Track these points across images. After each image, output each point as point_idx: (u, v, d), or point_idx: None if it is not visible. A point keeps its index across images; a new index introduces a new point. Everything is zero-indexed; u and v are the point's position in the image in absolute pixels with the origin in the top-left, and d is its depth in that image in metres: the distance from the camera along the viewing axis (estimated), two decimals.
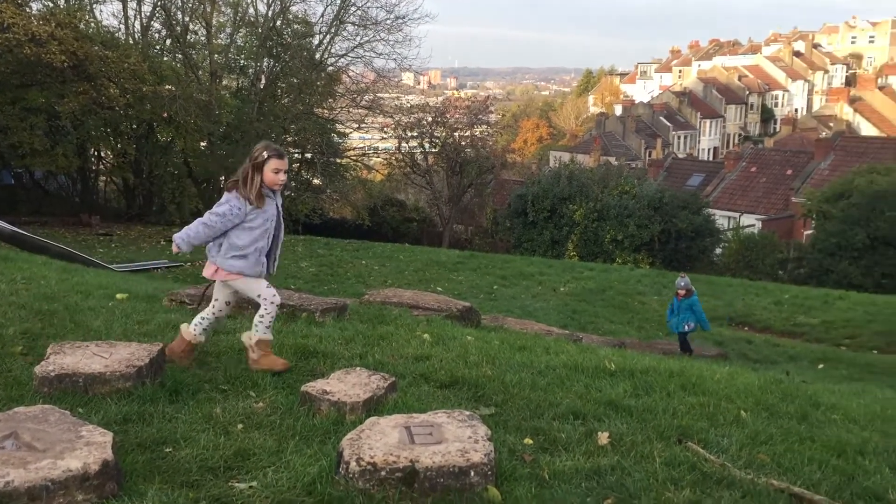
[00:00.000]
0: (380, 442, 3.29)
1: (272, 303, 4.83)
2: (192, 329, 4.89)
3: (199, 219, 4.75)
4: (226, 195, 4.78)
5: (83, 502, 2.91)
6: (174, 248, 4.78)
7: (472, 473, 3.17)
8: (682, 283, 12.25)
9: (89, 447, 3.07)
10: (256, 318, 4.84)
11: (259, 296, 4.83)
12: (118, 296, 7.09)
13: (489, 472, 3.22)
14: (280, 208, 5.03)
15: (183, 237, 4.71)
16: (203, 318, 4.94)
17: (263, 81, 29.11)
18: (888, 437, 4.37)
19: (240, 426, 3.88)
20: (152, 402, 4.09)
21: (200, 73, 27.73)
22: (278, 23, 28.66)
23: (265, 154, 4.73)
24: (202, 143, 26.62)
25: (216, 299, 4.95)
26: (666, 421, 4.43)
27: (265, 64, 29.22)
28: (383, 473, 3.11)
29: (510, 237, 32.07)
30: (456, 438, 3.38)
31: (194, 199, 25.92)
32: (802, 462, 3.84)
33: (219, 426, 3.84)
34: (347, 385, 4.33)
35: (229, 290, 4.90)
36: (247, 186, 4.71)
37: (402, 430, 3.43)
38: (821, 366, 12.58)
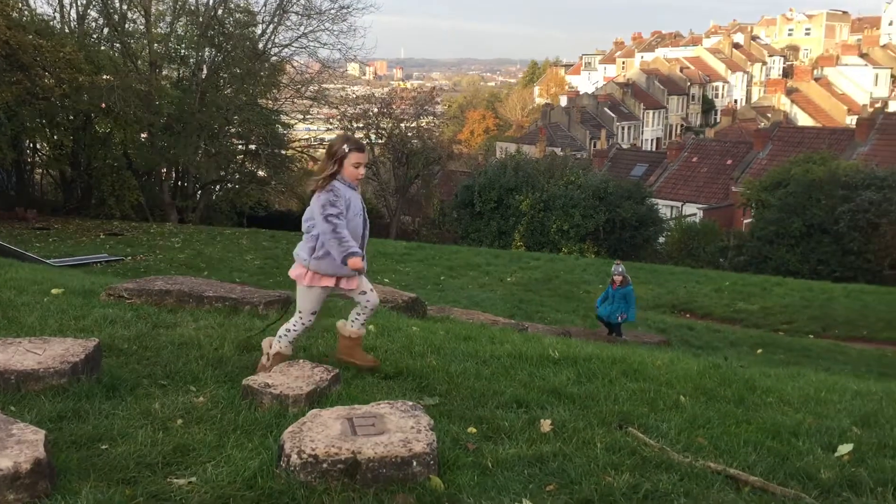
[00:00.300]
0: (321, 434, 3.27)
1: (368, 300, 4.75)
2: (350, 325, 4.84)
3: (326, 230, 4.48)
4: (321, 196, 4.55)
5: (14, 502, 2.83)
6: (361, 266, 4.51)
7: (415, 463, 3.17)
8: (619, 270, 12.00)
9: (20, 445, 2.99)
10: (353, 314, 4.80)
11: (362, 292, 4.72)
12: (53, 291, 6.91)
13: (432, 462, 3.23)
14: (364, 203, 4.83)
15: (340, 253, 4.46)
16: (356, 314, 4.84)
17: (205, 72, 28.58)
18: (821, 419, 4.49)
19: (179, 421, 3.81)
20: (88, 398, 3.99)
21: (139, 62, 27.12)
22: (220, 12, 28.17)
23: (346, 148, 4.58)
24: (142, 135, 26.06)
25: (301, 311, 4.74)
26: (607, 407, 4.49)
27: (207, 54, 28.70)
28: (325, 466, 3.09)
29: (457, 228, 32.15)
30: (399, 429, 3.38)
31: (135, 191, 25.35)
32: (739, 444, 3.93)
33: (157, 422, 3.77)
34: (290, 378, 4.29)
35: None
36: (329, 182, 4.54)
37: (344, 421, 3.41)
38: (759, 351, 12.88)
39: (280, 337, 4.67)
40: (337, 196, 4.52)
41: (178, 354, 4.93)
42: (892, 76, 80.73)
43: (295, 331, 4.68)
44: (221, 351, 5.09)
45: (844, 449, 3.81)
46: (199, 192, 30.19)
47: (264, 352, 4.73)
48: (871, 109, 50.38)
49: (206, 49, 28.44)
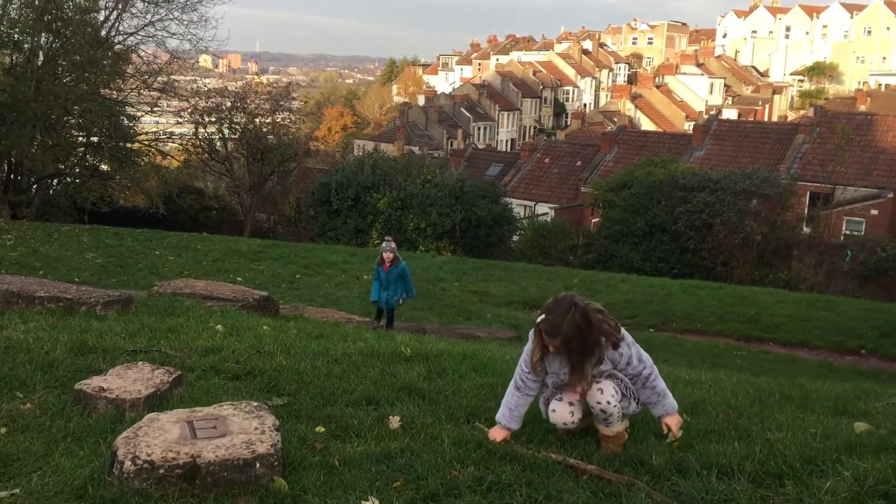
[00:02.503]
0: (158, 439, 3.14)
1: None
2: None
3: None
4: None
5: None
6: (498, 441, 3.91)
7: (258, 465, 3.10)
8: (391, 247, 10.75)
9: None
10: None
11: None
12: None
13: (276, 463, 3.17)
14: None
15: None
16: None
17: (41, 58, 26.78)
18: None
19: (3, 430, 3.56)
20: None
21: None
22: None
23: (538, 319, 3.90)
24: None
25: None
26: (456, 402, 4.56)
27: (43, 39, 26.89)
28: (162, 471, 2.97)
29: (314, 226, 31.74)
30: (242, 431, 3.29)
31: None
32: (579, 435, 4.08)
33: None
34: (128, 381, 4.09)
35: None
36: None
37: (184, 424, 3.29)
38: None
39: None
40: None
41: (2, 359, 4.59)
42: (725, 85, 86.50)
43: None
44: (53, 354, 4.79)
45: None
46: (35, 186, 28.29)
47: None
48: (706, 116, 53.79)
49: (43, 34, 26.63)
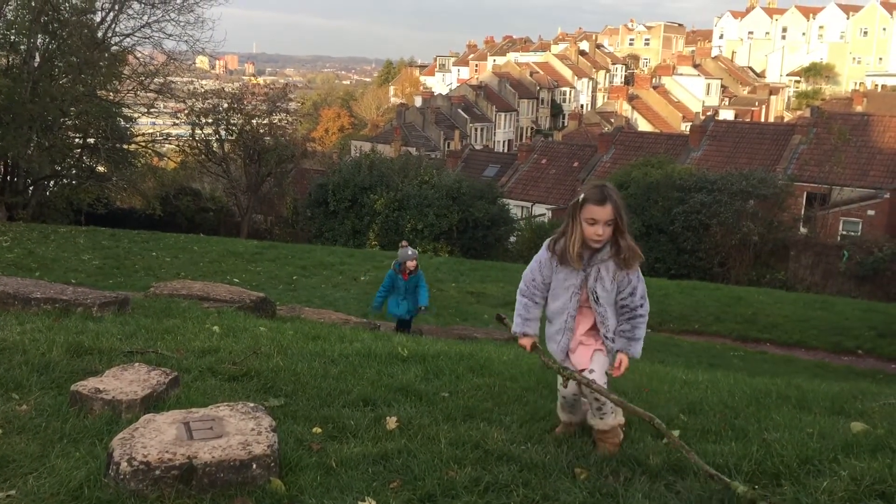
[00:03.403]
0: (154, 440, 3.13)
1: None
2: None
3: None
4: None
5: None
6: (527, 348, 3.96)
7: (255, 466, 3.10)
8: (415, 255, 10.07)
9: None
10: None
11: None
12: None
13: (272, 464, 3.16)
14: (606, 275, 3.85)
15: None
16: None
17: (38, 60, 26.73)
18: (651, 408, 4.72)
19: None
20: None
21: None
22: None
23: (580, 196, 3.82)
24: None
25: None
26: (453, 403, 4.56)
27: (40, 41, 26.83)
28: (158, 472, 2.96)
29: (311, 227, 31.73)
30: (238, 431, 3.29)
31: None
32: (577, 434, 4.08)
33: None
34: (124, 382, 4.08)
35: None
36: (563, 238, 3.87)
37: (180, 425, 3.28)
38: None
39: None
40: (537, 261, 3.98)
41: None
42: (721, 86, 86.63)
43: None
44: (49, 356, 4.77)
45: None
46: (31, 187, 28.22)
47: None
48: (703, 117, 53.85)
49: (40, 36, 26.58)
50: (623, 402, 3.69)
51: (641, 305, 3.89)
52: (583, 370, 3.85)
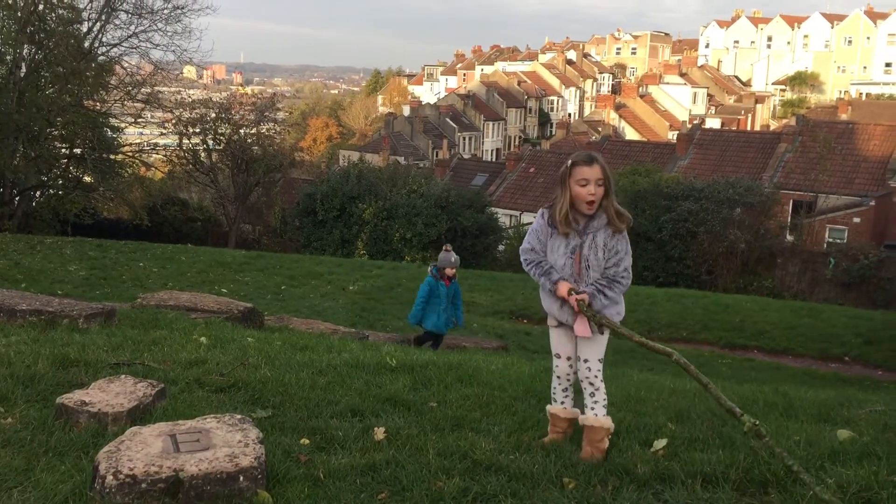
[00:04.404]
0: (141, 453, 3.11)
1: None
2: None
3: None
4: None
5: None
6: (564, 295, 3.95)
7: (242, 478, 3.08)
8: (458, 261, 9.43)
9: None
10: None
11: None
12: None
13: (260, 476, 3.15)
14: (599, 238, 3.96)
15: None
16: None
17: (24, 70, 26.62)
18: (639, 416, 4.75)
19: None
20: None
21: None
22: (41, 7, 26.34)
23: (569, 161, 3.96)
24: None
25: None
26: (441, 413, 4.55)
27: (26, 51, 26.74)
28: (144, 485, 2.94)
29: (299, 236, 31.67)
30: (225, 444, 3.27)
31: None
32: (565, 444, 4.09)
33: None
34: (110, 395, 4.05)
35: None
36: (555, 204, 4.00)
37: (166, 438, 3.27)
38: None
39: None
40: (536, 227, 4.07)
41: None
42: (708, 95, 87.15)
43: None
44: (35, 368, 4.74)
45: (659, 444, 4.05)
46: (18, 198, 28.06)
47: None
48: (689, 125, 54.16)
49: (26, 46, 26.49)
50: (644, 341, 3.87)
51: (624, 277, 3.99)
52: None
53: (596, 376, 3.98)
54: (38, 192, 28.89)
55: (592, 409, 3.96)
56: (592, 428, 3.93)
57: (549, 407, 4.23)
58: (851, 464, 3.65)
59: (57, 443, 3.59)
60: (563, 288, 3.92)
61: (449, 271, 9.26)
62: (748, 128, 73.53)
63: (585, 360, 3.98)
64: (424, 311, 9.42)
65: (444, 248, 9.69)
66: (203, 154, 36.72)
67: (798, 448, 3.97)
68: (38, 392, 4.32)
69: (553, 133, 76.49)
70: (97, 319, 6.28)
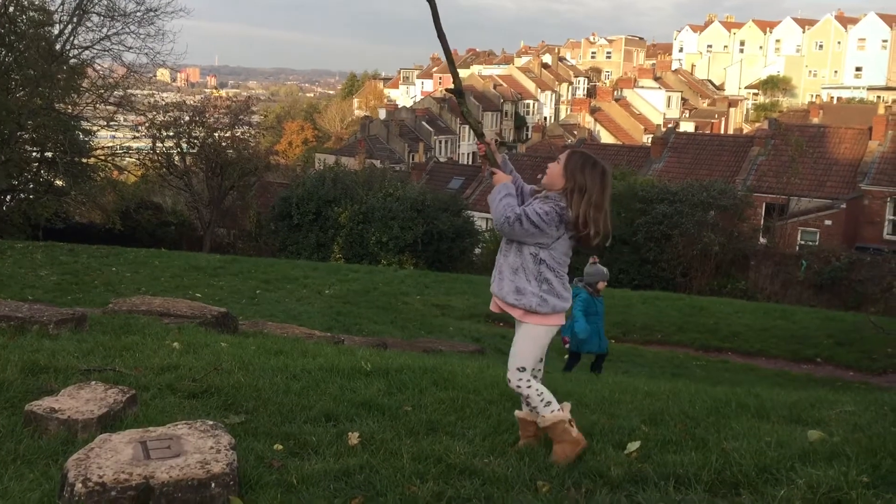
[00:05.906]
0: (110, 460, 3.07)
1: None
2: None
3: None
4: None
5: None
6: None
7: (213, 485, 3.05)
8: (608, 274, 8.78)
9: None
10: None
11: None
12: None
13: (232, 483, 3.12)
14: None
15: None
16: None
17: None
18: (614, 419, 4.77)
19: None
20: None
21: None
22: (11, 9, 26.02)
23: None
24: None
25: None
26: (416, 417, 4.54)
27: None
28: (114, 493, 2.91)
29: (275, 240, 31.52)
30: (197, 450, 3.24)
31: None
32: (538, 446, 4.09)
33: None
34: (80, 401, 4.00)
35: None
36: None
37: (136, 445, 3.23)
38: (566, 356, 13.52)
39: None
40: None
41: None
42: (682, 98, 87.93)
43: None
44: (3, 375, 4.67)
45: (633, 446, 4.06)
46: None
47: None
48: (664, 129, 54.59)
49: None
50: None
51: (515, 219, 4.39)
52: None
53: (518, 386, 3.97)
54: (9, 196, 28.51)
55: (537, 412, 3.96)
56: (547, 428, 3.94)
57: (516, 412, 4.23)
58: (821, 464, 3.68)
59: (25, 450, 3.54)
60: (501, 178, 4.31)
61: (601, 285, 8.77)
62: (722, 131, 74.28)
63: (506, 373, 4.05)
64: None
65: (590, 260, 9.05)
66: (177, 158, 36.42)
67: (770, 449, 4.01)
68: (7, 399, 4.26)
69: (529, 136, 76.81)
70: (68, 325, 6.20)
